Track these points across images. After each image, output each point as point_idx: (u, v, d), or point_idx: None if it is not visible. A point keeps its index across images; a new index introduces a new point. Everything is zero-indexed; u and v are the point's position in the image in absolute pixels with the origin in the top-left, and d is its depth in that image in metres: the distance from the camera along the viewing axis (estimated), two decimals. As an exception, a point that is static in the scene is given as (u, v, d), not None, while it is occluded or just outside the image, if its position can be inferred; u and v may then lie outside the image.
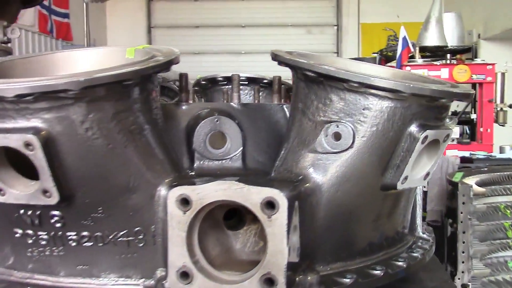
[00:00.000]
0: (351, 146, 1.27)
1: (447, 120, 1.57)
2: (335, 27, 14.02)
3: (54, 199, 1.10)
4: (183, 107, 1.50)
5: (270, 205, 1.12)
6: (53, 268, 1.23)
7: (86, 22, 8.23)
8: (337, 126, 1.27)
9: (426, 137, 1.28)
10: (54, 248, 1.21)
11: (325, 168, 1.28)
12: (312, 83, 1.30)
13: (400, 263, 1.41)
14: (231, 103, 1.53)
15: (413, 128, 1.28)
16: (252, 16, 14.28)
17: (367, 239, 1.39)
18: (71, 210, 1.17)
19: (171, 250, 1.16)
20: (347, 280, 1.28)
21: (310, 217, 1.27)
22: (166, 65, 1.16)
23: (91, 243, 1.20)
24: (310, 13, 14.01)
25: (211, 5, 14.32)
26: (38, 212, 1.17)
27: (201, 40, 14.48)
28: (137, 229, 1.20)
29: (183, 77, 1.53)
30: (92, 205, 1.16)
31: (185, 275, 1.15)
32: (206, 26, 14.38)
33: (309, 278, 1.25)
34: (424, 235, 1.69)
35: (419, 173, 1.38)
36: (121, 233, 1.19)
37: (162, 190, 1.19)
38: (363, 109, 1.26)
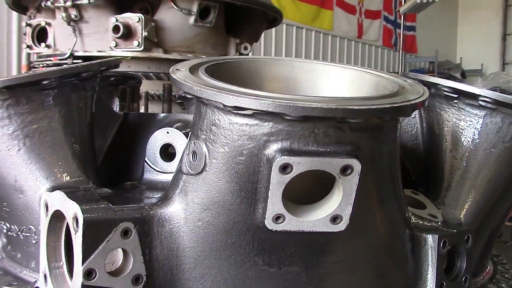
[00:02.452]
0: (204, 169, 1.06)
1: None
2: None
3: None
4: (158, 117, 1.50)
5: (76, 221, 1.06)
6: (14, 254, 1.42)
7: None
8: (194, 144, 1.08)
9: (287, 165, 0.97)
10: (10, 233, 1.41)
11: (186, 192, 1.11)
12: (195, 94, 1.14)
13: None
14: (203, 115, 1.44)
15: (269, 152, 0.98)
16: None
17: (263, 286, 1.12)
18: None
19: (41, 252, 1.22)
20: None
21: (170, 247, 1.12)
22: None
23: (13, 234, 1.36)
24: None
25: None
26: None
27: None
28: (30, 227, 1.29)
29: (166, 88, 1.53)
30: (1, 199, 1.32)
31: (45, 278, 1.20)
32: None
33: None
34: (437, 308, 1.22)
35: (316, 214, 1.04)
36: (22, 228, 1.31)
37: (42, 194, 1.25)
38: (212, 125, 1.04)
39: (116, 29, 3.00)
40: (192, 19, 3.15)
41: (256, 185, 1.02)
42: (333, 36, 11.01)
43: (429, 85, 1.47)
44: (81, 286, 1.04)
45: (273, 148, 0.98)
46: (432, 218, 1.31)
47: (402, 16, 8.51)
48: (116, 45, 3.07)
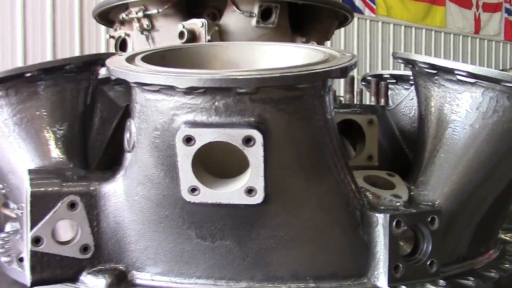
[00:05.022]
0: (134, 145, 1.13)
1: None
2: None
3: None
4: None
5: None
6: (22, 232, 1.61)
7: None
8: (129, 123, 1.16)
9: (190, 137, 1.00)
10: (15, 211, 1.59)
11: (126, 168, 1.18)
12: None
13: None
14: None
15: (176, 126, 1.03)
16: None
17: (200, 258, 1.16)
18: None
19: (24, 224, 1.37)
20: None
21: (116, 220, 1.20)
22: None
23: (16, 211, 1.53)
24: None
25: None
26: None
27: None
28: (22, 205, 1.44)
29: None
30: (2, 180, 1.49)
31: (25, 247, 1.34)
32: None
33: (98, 278, 1.19)
34: (388, 290, 1.18)
35: (232, 187, 1.06)
36: (19, 205, 1.46)
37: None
38: (136, 104, 1.10)
39: (181, 34, 3.18)
40: (254, 21, 3.24)
41: (174, 159, 1.07)
42: (446, 33, 10.50)
43: (412, 62, 1.42)
44: (30, 252, 1.16)
45: (179, 121, 1.03)
46: (394, 198, 1.25)
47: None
48: (182, 50, 3.24)
